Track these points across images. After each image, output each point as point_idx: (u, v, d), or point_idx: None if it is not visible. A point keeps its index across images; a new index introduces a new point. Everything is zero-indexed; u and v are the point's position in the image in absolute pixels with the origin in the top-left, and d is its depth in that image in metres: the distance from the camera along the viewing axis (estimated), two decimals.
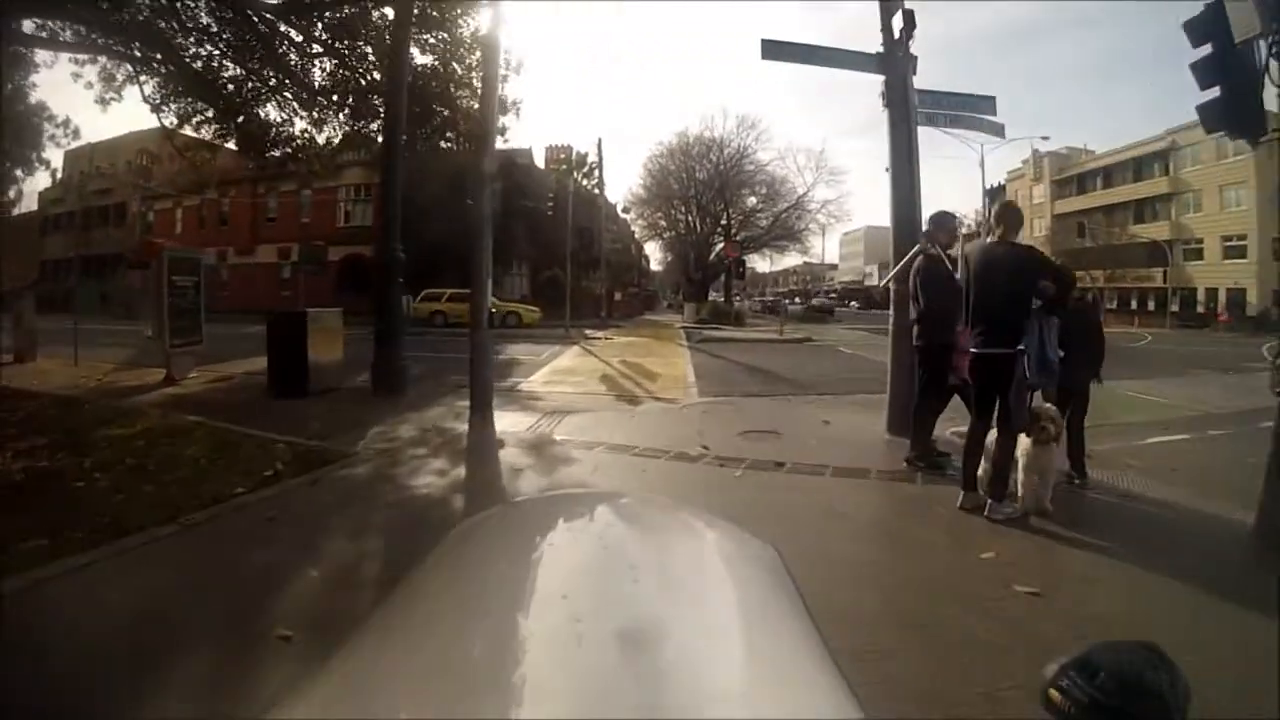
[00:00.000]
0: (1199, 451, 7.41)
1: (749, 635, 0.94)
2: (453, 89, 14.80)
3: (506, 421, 8.19)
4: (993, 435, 5.11)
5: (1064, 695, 0.77)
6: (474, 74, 13.51)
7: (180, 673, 2.80)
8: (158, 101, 14.95)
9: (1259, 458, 4.54)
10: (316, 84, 15.30)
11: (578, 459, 6.46)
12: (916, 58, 8.36)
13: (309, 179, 27.04)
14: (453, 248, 28.05)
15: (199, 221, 40.86)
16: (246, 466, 6.00)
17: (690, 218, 48.74)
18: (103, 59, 14.33)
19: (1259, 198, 39.91)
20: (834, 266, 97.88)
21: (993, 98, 9.34)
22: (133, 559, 4.01)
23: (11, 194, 40.53)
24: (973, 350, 5.13)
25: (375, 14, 14.05)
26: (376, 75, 14.34)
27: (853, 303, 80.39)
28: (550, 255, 32.77)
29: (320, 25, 14.44)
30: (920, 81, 8.35)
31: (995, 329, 4.98)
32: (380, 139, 12.86)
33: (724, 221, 46.39)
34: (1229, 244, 43.95)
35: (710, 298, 45.47)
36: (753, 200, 46.92)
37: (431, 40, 14.31)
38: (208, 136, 16.27)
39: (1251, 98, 5.05)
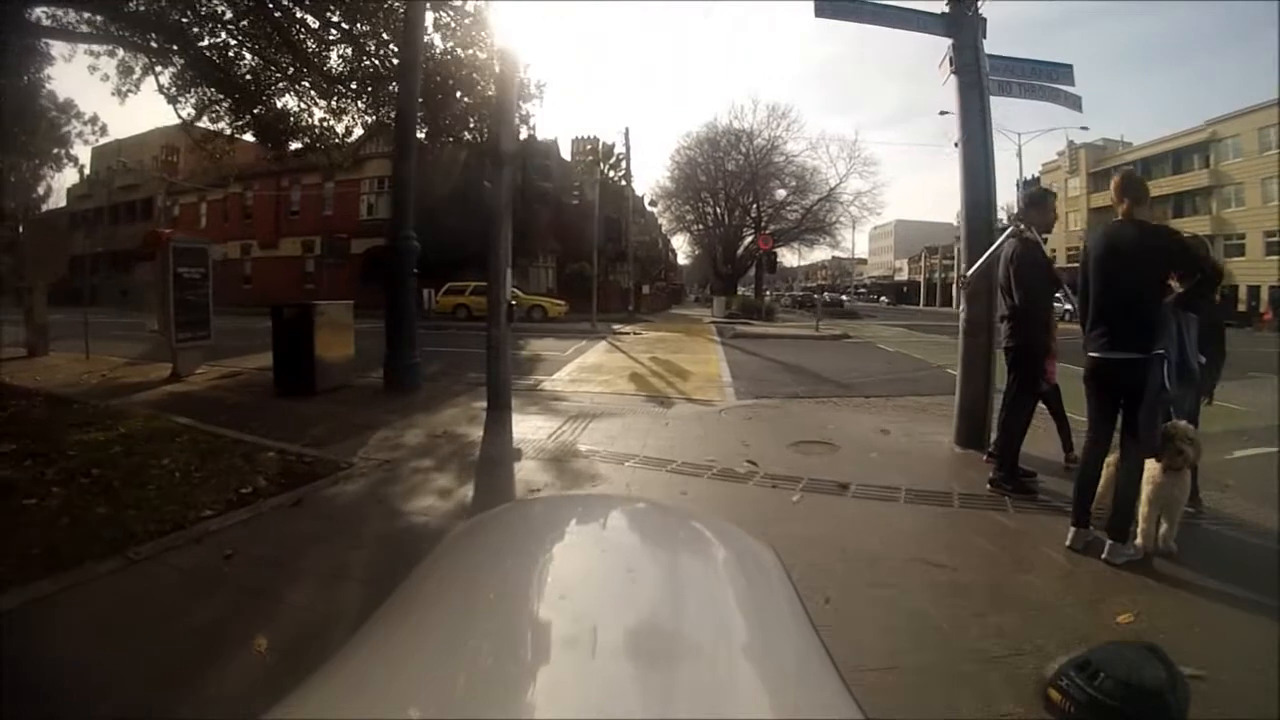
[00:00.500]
0: None
1: (748, 636, 0.93)
2: (474, 76, 14.16)
3: (526, 427, 7.37)
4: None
5: (1064, 695, 0.78)
6: (494, 59, 12.72)
7: None
8: (174, 93, 14.66)
9: None
10: (333, 71, 14.82)
11: (605, 476, 5.57)
12: (986, 20, 7.45)
13: (332, 172, 26.92)
14: (477, 240, 27.61)
15: (223, 215, 40.72)
16: (224, 481, 5.24)
17: (718, 210, 47.74)
18: (120, 51, 14.09)
19: None
20: (863, 261, 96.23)
21: (1069, 66, 8.34)
22: (37, 614, 3.20)
23: (40, 190, 41.31)
24: (1093, 354, 4.16)
25: None
26: (395, 61, 13.64)
27: (882, 298, 78.84)
28: (576, 248, 32.04)
29: (337, 11, 13.94)
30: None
31: (1124, 328, 4.02)
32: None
33: (754, 214, 45.23)
34: (1271, 239, 42.18)
35: (739, 292, 44.49)
36: (782, 193, 45.83)
37: (448, 21, 13.71)
38: (225, 128, 15.86)
39: None
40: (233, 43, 14.14)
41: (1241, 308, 42.43)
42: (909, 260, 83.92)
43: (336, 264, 30.26)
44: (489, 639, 0.87)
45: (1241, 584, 3.66)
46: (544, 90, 15.14)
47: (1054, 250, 45.95)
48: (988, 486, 5.35)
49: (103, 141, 36.97)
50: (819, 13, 7.24)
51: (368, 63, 14.41)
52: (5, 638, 2.95)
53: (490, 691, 0.73)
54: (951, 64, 7.37)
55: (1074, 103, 8.74)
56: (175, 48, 13.70)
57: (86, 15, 13.01)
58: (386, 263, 9.95)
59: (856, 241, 67.80)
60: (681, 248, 66.05)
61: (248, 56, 14.50)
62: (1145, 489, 4.08)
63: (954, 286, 64.92)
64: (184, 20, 13.38)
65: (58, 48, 15.09)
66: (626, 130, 38.29)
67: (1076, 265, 4.49)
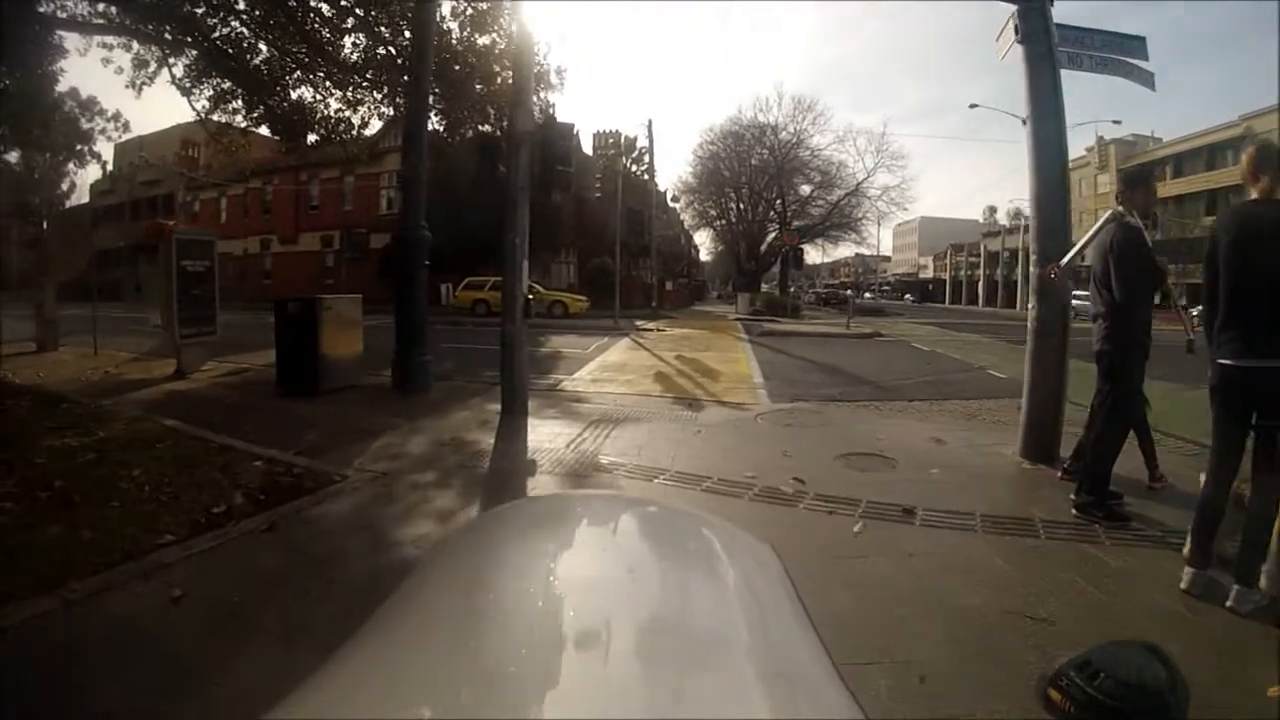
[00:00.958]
0: None
1: (748, 635, 0.92)
2: (492, 65, 13.67)
3: (542, 434, 6.69)
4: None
5: (1064, 695, 0.78)
6: (510, 39, 12.13)
7: None
8: (188, 85, 14.18)
9: None
10: (348, 60, 14.26)
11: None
12: None
13: (351, 166, 26.78)
14: (496, 235, 27.14)
15: (243, 210, 40.47)
16: (196, 497, 4.62)
17: (742, 205, 46.82)
18: (135, 44, 13.73)
19: None
20: (887, 258, 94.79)
21: (1142, 39, 7.52)
22: None
23: (64, 186, 41.54)
24: (1224, 362, 3.37)
25: None
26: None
27: (907, 296, 77.52)
28: (598, 243, 31.38)
29: None
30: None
31: (1264, 330, 3.24)
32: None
33: (779, 208, 44.22)
34: None
35: (762, 289, 43.56)
36: (806, 189, 44.76)
37: (465, 7, 13.29)
38: (240, 121, 15.49)
39: None
40: (245, 33, 13.70)
41: None
42: (934, 258, 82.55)
43: (356, 259, 29.82)
44: (489, 638, 0.85)
45: None
46: (564, 77, 14.58)
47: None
48: (1073, 511, 4.59)
49: (125, 138, 36.87)
50: None
51: (383, 51, 13.86)
52: None
53: (490, 691, 0.71)
54: (1016, 32, 6.59)
55: (1147, 80, 7.91)
56: (188, 39, 13.34)
57: (100, 7, 12.81)
58: (396, 254, 9.30)
59: (880, 238, 66.68)
60: (704, 244, 65.20)
61: (262, 47, 14.04)
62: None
63: (980, 284, 64.15)
64: (196, 11, 13.00)
65: (72, 41, 14.74)
66: (649, 122, 37.36)
67: None
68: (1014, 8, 6.63)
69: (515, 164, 7.26)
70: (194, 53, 13.71)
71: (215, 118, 15.11)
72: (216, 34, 13.41)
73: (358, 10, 13.45)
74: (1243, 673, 2.73)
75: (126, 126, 35.58)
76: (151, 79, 14.17)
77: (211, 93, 14.42)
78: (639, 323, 23.19)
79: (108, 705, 2.42)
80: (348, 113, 15.17)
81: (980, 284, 64.82)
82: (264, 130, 15.96)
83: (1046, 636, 2.97)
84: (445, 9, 12.84)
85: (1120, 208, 4.80)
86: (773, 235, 45.94)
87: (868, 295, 61.01)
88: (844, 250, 62.44)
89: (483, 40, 13.51)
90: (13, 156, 23.96)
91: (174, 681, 2.52)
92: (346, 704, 0.72)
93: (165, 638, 2.92)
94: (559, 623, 0.88)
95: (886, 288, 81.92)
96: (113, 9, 12.85)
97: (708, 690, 0.74)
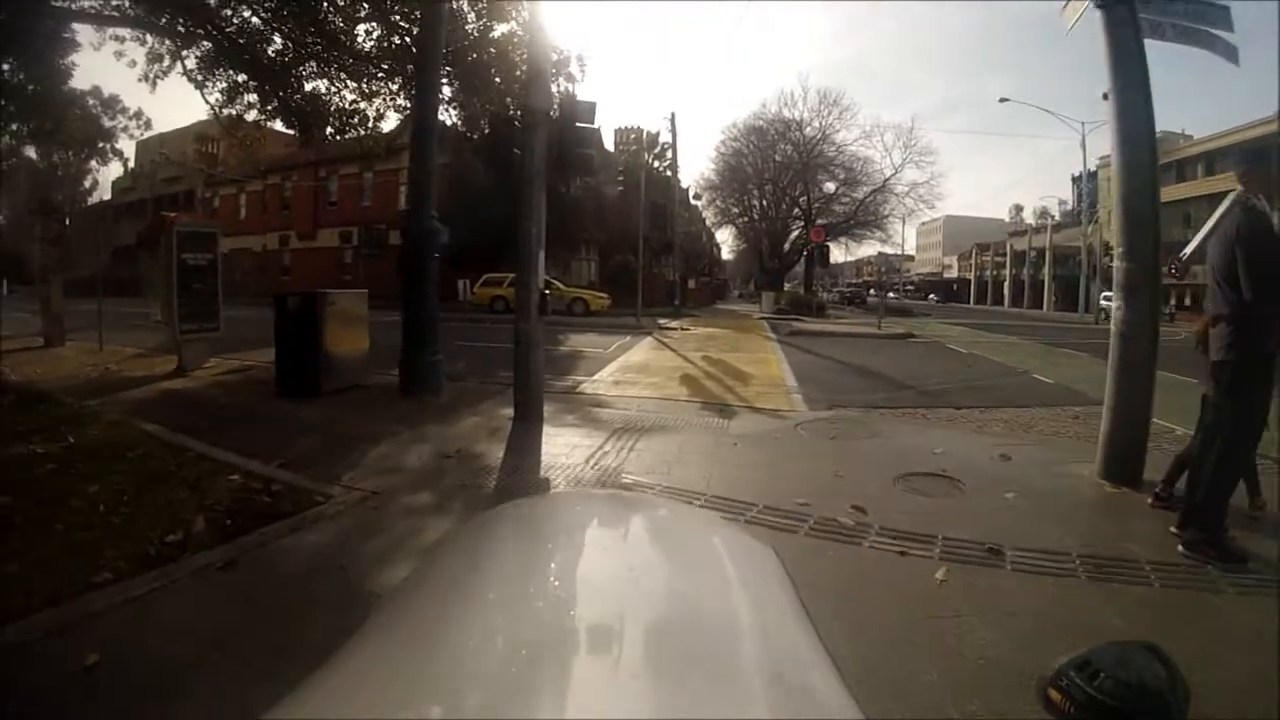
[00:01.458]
0: None
1: (748, 635, 0.91)
2: (510, 55, 13.07)
3: (559, 445, 5.98)
4: None
5: (1064, 695, 0.78)
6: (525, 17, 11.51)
7: None
8: (201, 79, 13.89)
9: None
10: (362, 50, 13.83)
11: None
12: None
13: (370, 161, 26.41)
14: (516, 230, 26.59)
15: (262, 206, 40.21)
16: (155, 519, 3.98)
17: (765, 203, 45.93)
18: (149, 37, 13.49)
19: None
20: (910, 258, 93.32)
21: (1226, 8, 6.70)
22: None
23: (87, 184, 41.87)
24: None
25: None
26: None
27: (931, 295, 76.23)
28: (620, 240, 30.69)
29: None
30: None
31: None
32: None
33: (804, 205, 43.25)
34: None
35: (785, 287, 42.63)
36: (831, 186, 43.74)
37: None
38: (253, 115, 15.07)
39: None
40: (258, 23, 13.35)
41: None
42: (958, 257, 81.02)
43: (374, 254, 29.41)
44: (488, 638, 0.84)
45: None
46: (585, 67, 14.01)
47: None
48: (1179, 549, 3.82)
49: (147, 135, 36.89)
50: None
51: (397, 40, 13.34)
52: None
53: (490, 691, 0.71)
54: None
55: (1230, 53, 7.08)
56: (200, 31, 13.06)
57: (113, 0, 12.57)
58: (404, 246, 8.64)
59: (903, 237, 65.33)
60: (725, 242, 64.35)
61: (275, 38, 13.69)
62: None
63: (1006, 285, 62.68)
64: (209, 1, 12.68)
65: (86, 35, 14.51)
66: (672, 115, 35.68)
67: None
68: None
69: (531, 146, 6.56)
70: (207, 45, 13.43)
71: (229, 111, 14.73)
72: (229, 25, 13.08)
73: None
74: None
75: (148, 124, 36.22)
76: (165, 72, 13.91)
77: (225, 85, 14.11)
78: (662, 321, 22.41)
79: None
80: (363, 105, 14.76)
81: (1006, 284, 63.39)
82: (278, 125, 15.78)
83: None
84: None
85: (1242, 189, 4.01)
86: (795, 233, 45.28)
87: (891, 295, 59.91)
88: (867, 249, 61.50)
89: (501, 29, 12.96)
90: (31, 153, 23.80)
91: None
92: (347, 704, 0.71)
93: (78, 707, 2.27)
94: (558, 622, 0.87)
95: (910, 287, 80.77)
96: (125, 1, 12.61)
97: (707, 690, 0.72)
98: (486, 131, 16.18)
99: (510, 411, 6.87)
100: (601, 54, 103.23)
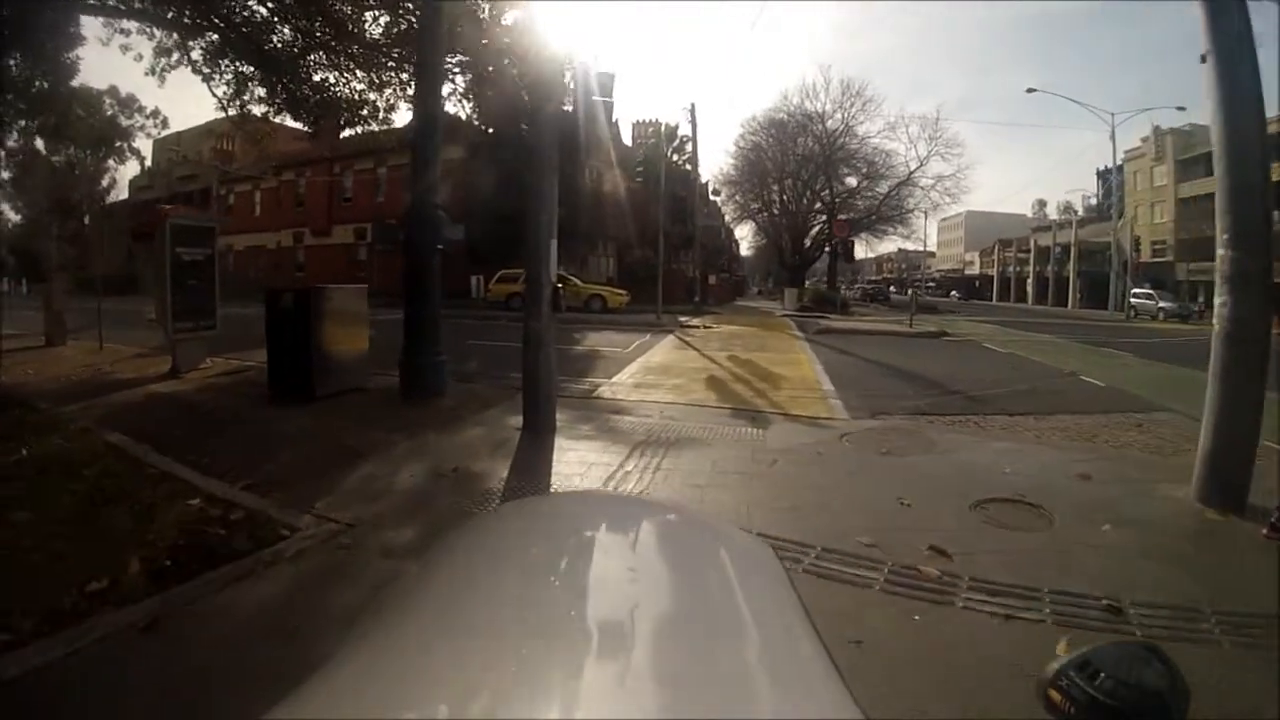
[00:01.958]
0: None
1: (749, 635, 0.92)
2: (524, 42, 12.40)
3: (572, 462, 5.25)
4: None
5: (1064, 695, 0.78)
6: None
7: None
8: (208, 71, 13.48)
9: None
10: (369, 37, 13.34)
11: None
12: None
13: (384, 157, 25.90)
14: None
15: (276, 203, 39.58)
16: (84, 557, 3.30)
17: (786, 198, 44.92)
18: (157, 31, 13.16)
19: None
20: (931, 254, 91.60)
21: None
22: None
23: (105, 183, 42.12)
24: None
25: None
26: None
27: (953, 292, 74.68)
28: (639, 235, 29.91)
29: None
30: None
31: None
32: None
33: (826, 199, 42.15)
34: None
35: (806, 284, 41.59)
36: (853, 180, 42.58)
37: None
38: (261, 108, 14.59)
39: None
40: (264, 12, 12.93)
41: None
42: (980, 253, 79.39)
43: (388, 249, 28.86)
44: (489, 638, 0.82)
45: None
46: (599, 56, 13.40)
47: (1138, 240, 41.57)
48: None
49: (164, 134, 37.63)
50: None
51: (404, 24, 12.74)
52: None
53: (490, 691, 0.70)
54: None
55: None
56: (205, 22, 12.68)
57: None
58: (405, 237, 7.94)
59: (926, 233, 63.88)
60: (744, 239, 63.33)
61: (282, 28, 13.28)
62: None
63: (1030, 282, 61.08)
64: None
65: (94, 30, 14.22)
66: (692, 106, 34.32)
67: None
68: None
69: (541, 124, 5.80)
70: (213, 36, 13.01)
71: (237, 104, 14.30)
72: (235, 15, 12.67)
73: None
74: None
75: (165, 123, 36.62)
76: (173, 66, 13.57)
77: (231, 77, 13.69)
78: (683, 318, 21.47)
79: None
80: (372, 95, 14.27)
81: (1030, 281, 61.79)
82: (287, 119, 15.30)
83: None
84: None
85: None
86: (816, 228, 44.31)
87: (911, 291, 58.67)
88: (888, 246, 60.19)
89: (512, 14, 12.24)
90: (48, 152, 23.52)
91: None
92: (347, 704, 0.70)
93: None
94: (559, 622, 0.86)
95: (931, 284, 79.07)
96: None
97: (708, 690, 0.72)
98: (500, 125, 15.69)
99: (519, 420, 6.14)
100: (617, 48, 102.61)
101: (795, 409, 7.70)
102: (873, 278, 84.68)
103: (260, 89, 13.89)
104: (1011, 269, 67.94)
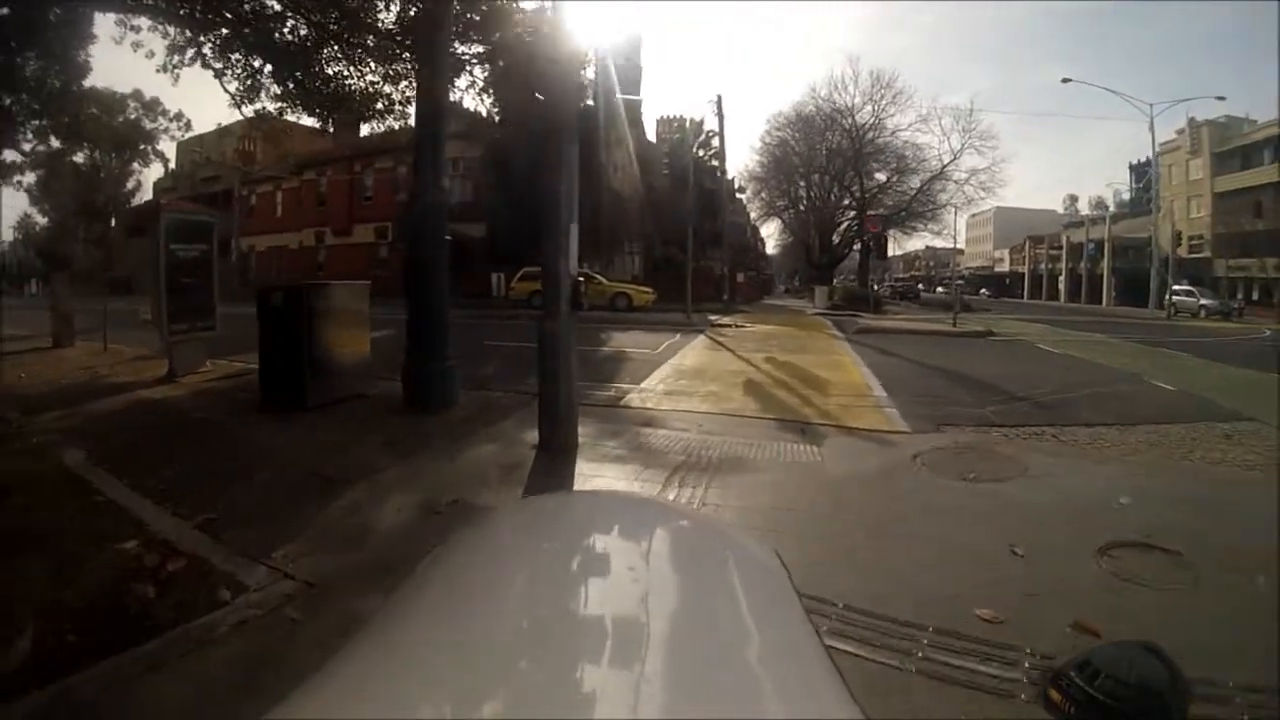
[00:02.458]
0: None
1: (750, 636, 0.91)
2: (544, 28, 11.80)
3: (597, 489, 4.32)
4: None
5: (1064, 695, 0.77)
6: None
7: None
8: (220, 68, 13.10)
9: None
10: (382, 26, 12.83)
11: None
12: None
13: (403, 154, 25.45)
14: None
15: (297, 203, 39.27)
16: None
17: (813, 194, 43.80)
18: (171, 29, 12.84)
19: None
20: (960, 251, 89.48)
21: None
22: None
23: (130, 185, 42.54)
24: None
25: None
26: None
27: (983, 290, 72.92)
28: (664, 232, 28.97)
29: None
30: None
31: None
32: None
33: (857, 194, 40.95)
34: None
35: (834, 282, 40.47)
36: (882, 176, 41.37)
37: None
38: (272, 104, 14.19)
39: None
40: (275, 5, 12.50)
41: None
42: (1009, 250, 77.41)
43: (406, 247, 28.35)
44: (490, 638, 0.82)
45: None
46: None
47: (1178, 237, 39.92)
48: None
49: (187, 136, 38.06)
50: None
51: (415, 10, 12.09)
52: None
53: (492, 692, 0.70)
54: None
55: None
56: (215, 17, 12.28)
57: None
58: (406, 226, 7.15)
59: (956, 229, 62.00)
60: (770, 237, 62.15)
61: (293, 20, 12.80)
62: None
63: (1062, 279, 59.21)
64: None
65: (106, 29, 13.95)
66: (718, 99, 32.66)
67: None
68: None
69: (559, 89, 4.94)
70: (224, 31, 12.60)
71: (249, 100, 13.90)
72: (244, 8, 12.20)
73: None
74: None
75: (188, 125, 37.15)
76: (186, 63, 13.13)
77: (241, 71, 13.27)
78: (713, 317, 20.48)
79: None
80: (386, 88, 13.75)
81: (1062, 278, 59.90)
82: (302, 116, 14.78)
83: None
84: None
85: None
86: (844, 225, 43.47)
87: (940, 289, 57.20)
88: (916, 243, 58.77)
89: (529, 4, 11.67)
90: (77, 156, 23.34)
91: None
92: (347, 704, 0.69)
93: None
94: (560, 623, 0.85)
95: (961, 281, 77.10)
96: None
97: (708, 690, 0.71)
98: (521, 120, 14.49)
99: (535, 435, 5.28)
100: (641, 44, 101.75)
101: (849, 420, 6.78)
102: (900, 275, 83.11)
103: (272, 84, 13.46)
104: (1043, 266, 66.10)
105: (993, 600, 2.82)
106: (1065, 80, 37.60)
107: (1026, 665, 2.39)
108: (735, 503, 4.18)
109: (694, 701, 0.68)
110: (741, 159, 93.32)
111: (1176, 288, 36.02)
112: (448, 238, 7.03)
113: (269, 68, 13.14)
